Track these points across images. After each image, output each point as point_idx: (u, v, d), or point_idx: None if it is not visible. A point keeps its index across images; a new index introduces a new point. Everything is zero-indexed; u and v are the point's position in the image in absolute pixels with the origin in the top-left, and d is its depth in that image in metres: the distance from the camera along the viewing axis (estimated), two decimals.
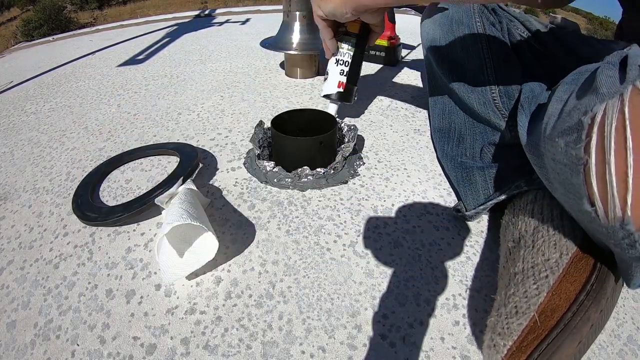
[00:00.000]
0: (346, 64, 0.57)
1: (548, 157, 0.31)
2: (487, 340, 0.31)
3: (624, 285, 0.35)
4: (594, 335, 0.29)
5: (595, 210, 0.26)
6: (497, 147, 0.50)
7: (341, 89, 0.59)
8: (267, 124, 0.59)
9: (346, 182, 0.54)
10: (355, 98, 0.61)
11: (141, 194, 0.51)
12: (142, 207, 0.47)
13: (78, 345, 0.34)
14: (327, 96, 0.60)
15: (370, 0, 0.44)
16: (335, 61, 0.57)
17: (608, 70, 0.27)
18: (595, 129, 0.25)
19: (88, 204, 0.49)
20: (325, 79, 0.60)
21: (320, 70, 0.98)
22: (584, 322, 0.28)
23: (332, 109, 0.61)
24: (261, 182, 0.54)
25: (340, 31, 0.56)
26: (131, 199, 0.50)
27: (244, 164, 0.58)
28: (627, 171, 0.23)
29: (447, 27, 0.60)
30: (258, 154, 0.56)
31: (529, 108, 0.43)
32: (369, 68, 1.02)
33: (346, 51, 0.56)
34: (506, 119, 0.49)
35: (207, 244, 0.39)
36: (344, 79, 0.58)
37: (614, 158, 0.24)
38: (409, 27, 1.48)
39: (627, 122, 0.24)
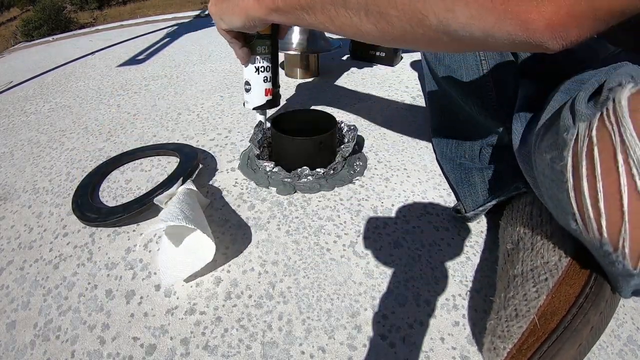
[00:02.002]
0: (267, 69, 0.54)
1: (539, 170, 0.31)
2: (487, 343, 0.31)
3: None
4: (594, 337, 0.29)
5: (579, 228, 0.26)
6: (495, 148, 0.50)
7: (270, 97, 0.56)
8: (267, 124, 0.59)
9: (346, 183, 0.54)
10: (280, 98, 0.59)
11: (141, 194, 0.51)
12: (142, 207, 0.47)
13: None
14: (257, 108, 0.57)
15: (269, 15, 0.38)
16: (254, 70, 0.53)
17: (587, 91, 0.27)
18: (571, 152, 0.25)
19: (88, 204, 0.49)
20: (248, 90, 0.55)
21: (320, 70, 0.98)
22: (583, 324, 0.28)
23: (261, 118, 0.59)
24: (261, 185, 0.54)
25: (251, 35, 0.50)
26: (131, 199, 0.50)
27: (239, 167, 0.58)
28: (598, 197, 0.24)
29: None
30: (257, 154, 0.56)
31: (524, 115, 0.43)
32: (369, 68, 1.02)
33: (264, 55, 0.53)
34: (504, 121, 0.49)
35: (205, 247, 0.39)
36: (269, 86, 0.55)
37: (586, 183, 0.25)
38: None
39: (595, 148, 0.24)
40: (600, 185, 0.24)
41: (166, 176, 0.54)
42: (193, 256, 0.39)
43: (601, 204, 0.24)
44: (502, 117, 0.50)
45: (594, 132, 0.24)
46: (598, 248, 0.26)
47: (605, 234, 0.24)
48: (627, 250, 0.24)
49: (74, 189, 0.53)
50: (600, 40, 0.51)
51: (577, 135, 0.25)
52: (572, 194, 0.26)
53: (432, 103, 0.64)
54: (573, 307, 0.28)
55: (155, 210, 0.48)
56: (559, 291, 0.30)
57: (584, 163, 0.24)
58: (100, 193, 0.54)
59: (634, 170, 0.22)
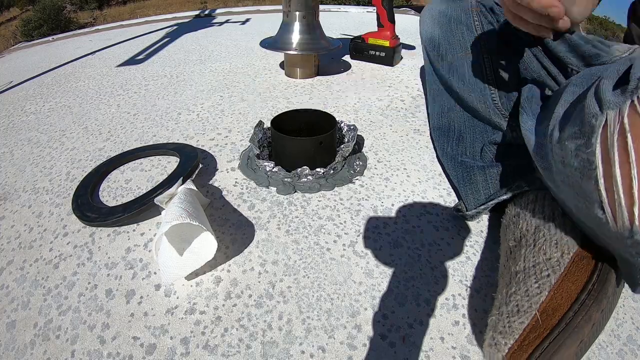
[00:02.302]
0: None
1: (557, 160, 0.31)
2: (488, 338, 0.30)
3: (625, 285, 0.35)
4: (595, 334, 0.29)
5: (606, 217, 0.26)
6: (497, 146, 0.50)
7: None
8: (267, 124, 0.59)
9: (346, 182, 0.54)
10: None
11: (141, 194, 0.51)
12: (142, 207, 0.47)
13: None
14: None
15: None
16: None
17: (610, 79, 0.27)
18: (599, 139, 0.25)
19: (88, 204, 0.49)
20: None
21: (320, 70, 0.98)
22: (585, 321, 0.28)
23: None
24: (261, 185, 0.54)
25: None
26: (131, 199, 0.50)
27: (239, 167, 0.58)
28: (632, 183, 0.24)
29: (446, 25, 0.60)
30: (257, 153, 0.56)
31: (530, 108, 0.42)
32: (369, 68, 1.02)
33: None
34: (507, 119, 0.49)
35: (206, 244, 0.39)
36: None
37: (619, 170, 0.24)
38: (408, 27, 1.48)
39: (629, 135, 0.24)
40: (635, 172, 0.23)
41: (166, 176, 0.54)
42: (194, 254, 0.39)
43: (635, 191, 0.23)
44: (505, 115, 0.50)
45: (625, 119, 0.24)
46: (626, 238, 0.25)
47: (637, 222, 0.24)
48: None
49: (74, 189, 0.53)
50: (603, 41, 0.51)
51: (606, 122, 0.25)
52: (601, 181, 0.25)
53: (432, 99, 0.64)
54: (575, 303, 0.28)
55: (155, 210, 0.48)
56: (561, 287, 0.29)
57: (615, 150, 0.24)
58: (100, 193, 0.54)
59: None
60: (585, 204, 0.28)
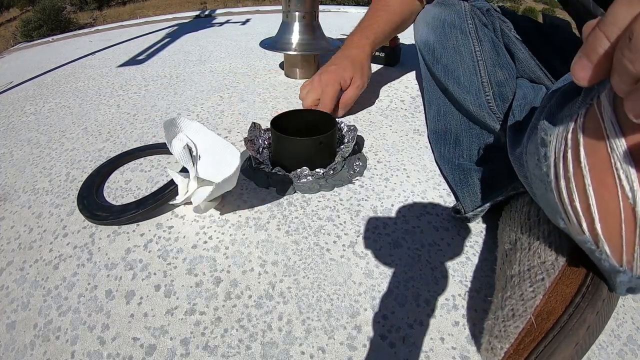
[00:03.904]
0: None
1: (530, 170, 0.32)
2: (484, 343, 0.31)
3: None
4: (591, 337, 0.29)
5: (567, 227, 0.27)
6: (493, 149, 0.50)
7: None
8: (267, 124, 0.59)
9: (346, 183, 0.54)
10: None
11: (152, 190, 0.51)
12: (157, 202, 0.47)
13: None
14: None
15: None
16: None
17: (569, 93, 0.27)
18: (553, 153, 0.26)
19: (96, 204, 0.49)
20: None
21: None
22: (580, 324, 0.28)
23: None
24: (261, 185, 0.54)
25: None
26: (132, 199, 0.50)
27: (242, 170, 0.58)
28: (573, 196, 0.24)
29: (440, 29, 0.60)
30: (257, 154, 0.56)
31: (520, 115, 0.43)
32: None
33: None
34: (501, 122, 0.49)
35: (228, 154, 0.46)
36: None
37: (563, 184, 0.25)
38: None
39: (569, 151, 0.24)
40: (572, 185, 0.24)
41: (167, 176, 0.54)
42: (220, 164, 0.46)
43: (577, 204, 0.24)
44: (499, 118, 0.50)
45: (569, 135, 0.24)
46: (584, 245, 0.26)
47: (587, 233, 0.25)
48: (606, 248, 0.24)
49: (74, 190, 0.53)
50: None
51: (557, 136, 0.25)
52: (556, 194, 0.26)
53: (429, 104, 0.64)
54: (570, 306, 0.29)
55: (160, 209, 0.48)
56: (556, 291, 0.30)
57: (560, 164, 0.25)
58: (104, 192, 0.54)
59: (584, 172, 0.23)
60: (552, 214, 0.29)
